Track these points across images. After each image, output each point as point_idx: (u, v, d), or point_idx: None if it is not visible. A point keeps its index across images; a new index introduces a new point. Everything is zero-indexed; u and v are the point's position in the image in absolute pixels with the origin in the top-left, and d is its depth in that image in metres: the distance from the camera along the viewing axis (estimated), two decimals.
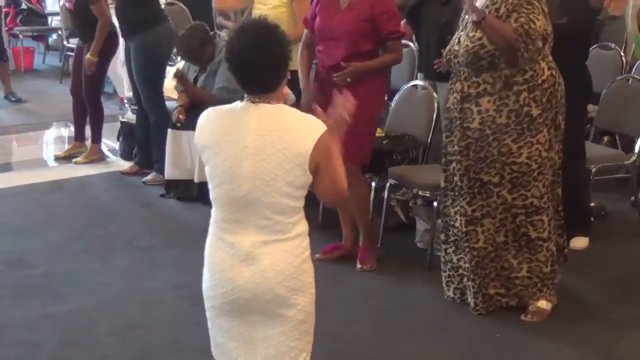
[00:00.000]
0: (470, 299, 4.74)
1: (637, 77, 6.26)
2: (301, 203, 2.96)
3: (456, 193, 4.68)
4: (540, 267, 4.65)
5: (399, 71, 6.96)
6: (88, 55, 7.18)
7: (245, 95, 2.98)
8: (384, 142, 5.86)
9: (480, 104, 4.51)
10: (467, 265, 4.71)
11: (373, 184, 5.74)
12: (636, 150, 5.98)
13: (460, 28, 4.64)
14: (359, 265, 5.36)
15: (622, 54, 7.18)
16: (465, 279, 4.76)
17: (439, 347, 4.49)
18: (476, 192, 4.61)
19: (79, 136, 7.86)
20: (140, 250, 5.70)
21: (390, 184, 5.69)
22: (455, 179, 4.67)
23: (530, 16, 4.35)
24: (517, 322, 4.65)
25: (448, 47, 4.67)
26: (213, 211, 3.03)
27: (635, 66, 6.90)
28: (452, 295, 4.86)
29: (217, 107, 3.04)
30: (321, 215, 6.06)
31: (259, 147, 2.88)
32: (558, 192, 4.74)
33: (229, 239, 2.96)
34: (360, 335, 4.60)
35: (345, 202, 5.44)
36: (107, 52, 7.31)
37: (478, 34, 4.44)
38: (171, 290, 5.09)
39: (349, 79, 5.01)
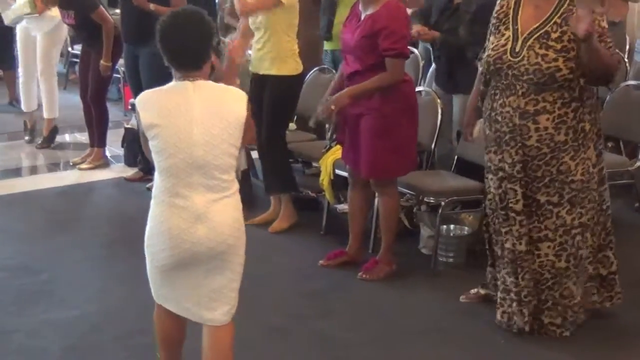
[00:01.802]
0: (520, 321, 4.54)
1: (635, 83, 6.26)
2: (235, 161, 3.52)
3: (509, 212, 4.46)
4: (582, 290, 4.55)
5: None
6: (102, 62, 7.24)
7: (177, 76, 3.49)
8: None
9: (539, 121, 4.31)
10: (522, 285, 4.50)
11: None
12: None
13: (499, 37, 4.41)
14: (361, 273, 5.31)
15: (626, 60, 7.17)
16: (515, 303, 4.53)
17: (443, 353, 4.48)
18: (533, 212, 4.43)
19: (94, 142, 7.88)
20: (143, 256, 5.68)
21: None
22: (509, 196, 4.45)
23: (612, 44, 4.30)
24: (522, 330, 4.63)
25: (495, 55, 4.39)
26: (161, 181, 3.44)
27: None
28: (500, 318, 4.62)
29: (153, 90, 3.56)
30: (325, 222, 6.08)
31: (205, 117, 3.40)
32: (606, 209, 4.59)
33: (182, 203, 3.41)
34: (363, 341, 4.59)
35: (353, 209, 5.49)
36: (113, 56, 7.34)
37: (552, 54, 4.24)
38: None
39: (332, 107, 5.07)
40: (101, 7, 7.27)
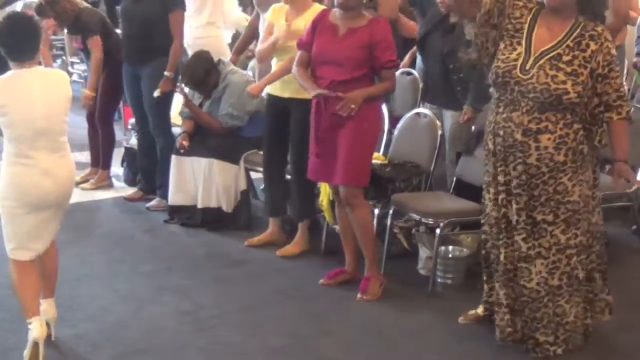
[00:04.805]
0: (512, 330, 4.58)
1: (639, 106, 6.28)
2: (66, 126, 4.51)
3: (504, 226, 4.49)
4: (577, 310, 4.55)
5: (403, 99, 7.02)
6: (86, 91, 7.29)
7: (13, 65, 4.36)
8: (387, 170, 5.89)
9: (540, 140, 4.34)
10: (514, 297, 4.55)
11: (376, 211, 5.74)
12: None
13: (510, 50, 4.40)
14: (359, 295, 5.33)
15: (624, 83, 7.20)
16: (507, 315, 4.56)
17: None
18: (529, 230, 4.44)
19: (95, 162, 7.91)
20: (144, 275, 5.72)
21: (393, 211, 5.71)
22: (505, 210, 4.48)
23: (619, 72, 4.38)
24: (522, 351, 4.64)
25: (505, 68, 4.38)
26: (12, 148, 4.32)
27: (636, 95, 6.93)
28: (497, 334, 4.62)
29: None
30: (324, 242, 6.09)
31: (44, 95, 4.35)
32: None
33: (30, 163, 4.32)
34: None
35: (343, 226, 5.51)
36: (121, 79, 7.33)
37: (561, 77, 4.27)
38: (174, 315, 5.11)
39: (353, 106, 5.06)
40: (97, 37, 7.31)
